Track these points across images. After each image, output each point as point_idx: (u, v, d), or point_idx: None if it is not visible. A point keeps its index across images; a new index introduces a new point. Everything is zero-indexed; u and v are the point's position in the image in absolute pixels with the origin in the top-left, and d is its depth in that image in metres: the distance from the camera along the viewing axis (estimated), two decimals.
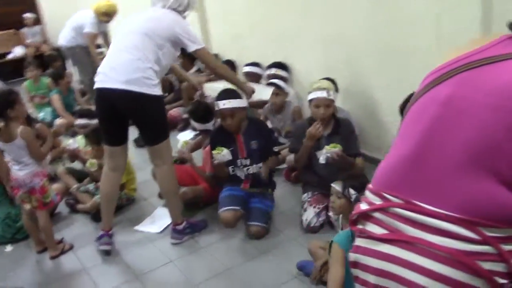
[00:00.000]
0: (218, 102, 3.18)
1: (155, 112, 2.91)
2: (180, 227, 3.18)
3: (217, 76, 3.27)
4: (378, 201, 1.15)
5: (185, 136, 4.70)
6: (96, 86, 2.92)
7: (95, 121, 4.28)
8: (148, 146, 3.02)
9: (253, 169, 3.25)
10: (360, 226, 1.19)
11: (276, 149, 3.40)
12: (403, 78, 3.34)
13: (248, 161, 3.24)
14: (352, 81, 3.82)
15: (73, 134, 5.43)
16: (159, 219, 3.50)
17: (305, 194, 3.23)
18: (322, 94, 3.09)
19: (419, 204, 1.06)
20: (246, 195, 3.27)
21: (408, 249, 1.07)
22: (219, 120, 4.17)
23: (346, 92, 3.84)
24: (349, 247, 2.13)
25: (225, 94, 3.20)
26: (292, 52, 4.51)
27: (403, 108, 2.84)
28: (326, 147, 2.98)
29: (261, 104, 4.26)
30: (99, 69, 2.94)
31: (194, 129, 3.76)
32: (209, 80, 4.46)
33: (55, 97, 5.91)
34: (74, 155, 4.13)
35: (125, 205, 3.76)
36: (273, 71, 4.48)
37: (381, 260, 1.11)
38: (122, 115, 2.93)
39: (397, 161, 1.14)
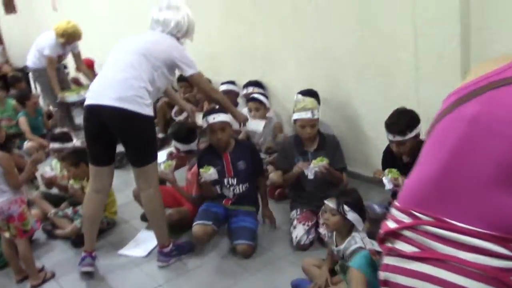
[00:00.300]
0: (207, 117, 3.20)
1: (146, 132, 2.87)
2: (167, 249, 3.11)
3: (211, 101, 3.30)
4: (406, 219, 1.15)
5: (160, 156, 4.62)
6: (86, 102, 2.87)
7: (70, 144, 4.18)
8: (135, 167, 2.96)
9: (239, 188, 3.26)
10: (388, 245, 1.19)
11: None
12: (385, 91, 3.42)
13: (234, 180, 3.25)
14: (333, 94, 3.85)
15: (45, 157, 5.30)
16: (143, 242, 3.42)
17: (294, 211, 3.23)
18: (307, 115, 3.13)
19: (450, 221, 1.08)
20: (226, 212, 3.26)
21: (440, 267, 1.08)
22: (202, 141, 4.18)
23: (327, 106, 3.86)
24: (368, 270, 2.16)
25: (212, 110, 3.22)
26: (270, 69, 4.54)
27: (389, 124, 2.89)
28: (313, 161, 3.01)
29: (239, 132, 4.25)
30: (90, 86, 2.90)
31: (178, 150, 3.70)
32: (186, 100, 4.45)
33: (22, 120, 5.75)
34: (51, 183, 4.00)
35: (106, 229, 3.66)
36: (250, 89, 4.49)
37: (412, 278, 1.12)
38: (110, 134, 2.87)
39: (425, 179, 1.15)
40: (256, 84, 4.54)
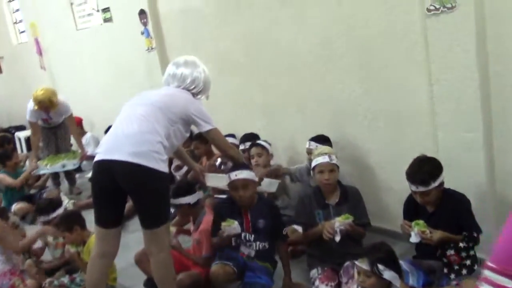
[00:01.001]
0: (230, 174, 3.07)
1: (160, 190, 2.67)
2: None
3: (227, 157, 3.19)
4: (508, 283, 1.01)
5: None
6: (96, 158, 2.68)
7: (56, 212, 3.87)
8: (147, 229, 2.72)
9: (257, 245, 3.10)
10: None
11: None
12: (399, 139, 3.33)
13: (252, 237, 3.09)
14: (341, 144, 3.72)
15: (32, 221, 5.02)
16: None
17: (314, 270, 3.02)
18: (325, 159, 3.04)
19: None
20: (243, 260, 3.07)
21: None
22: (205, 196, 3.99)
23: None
24: None
25: (236, 166, 3.10)
26: (270, 121, 4.43)
27: (410, 174, 2.75)
28: (338, 219, 2.84)
29: None
30: (102, 141, 2.75)
31: (188, 204, 3.48)
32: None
33: (2, 176, 5.49)
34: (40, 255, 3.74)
35: None
36: (247, 145, 4.32)
37: None
38: (120, 193, 2.67)
39: None
40: (252, 138, 4.39)
